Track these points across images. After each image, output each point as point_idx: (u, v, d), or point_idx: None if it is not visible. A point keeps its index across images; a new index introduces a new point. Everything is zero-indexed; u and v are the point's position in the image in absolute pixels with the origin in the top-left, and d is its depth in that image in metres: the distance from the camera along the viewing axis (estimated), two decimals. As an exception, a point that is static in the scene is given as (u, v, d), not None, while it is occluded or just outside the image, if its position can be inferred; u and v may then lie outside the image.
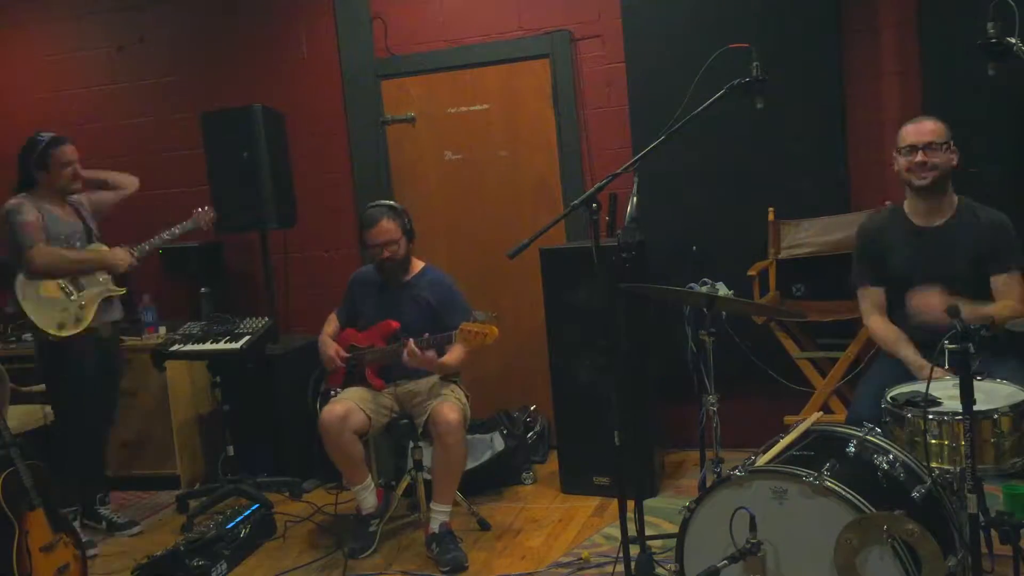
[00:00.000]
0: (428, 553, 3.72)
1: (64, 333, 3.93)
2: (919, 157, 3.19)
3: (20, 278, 3.93)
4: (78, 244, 4.08)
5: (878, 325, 3.34)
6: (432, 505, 3.75)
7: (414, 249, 4.02)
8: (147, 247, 4.24)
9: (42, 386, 4.29)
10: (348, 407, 3.78)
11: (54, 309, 3.93)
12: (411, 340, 3.67)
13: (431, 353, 3.69)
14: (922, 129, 3.22)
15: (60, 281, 3.96)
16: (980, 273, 3.19)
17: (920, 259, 3.22)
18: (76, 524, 3.92)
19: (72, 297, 3.98)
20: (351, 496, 3.98)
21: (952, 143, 3.20)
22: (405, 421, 3.91)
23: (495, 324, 3.53)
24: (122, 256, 4.12)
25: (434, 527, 3.71)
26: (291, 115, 5.07)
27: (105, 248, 4.14)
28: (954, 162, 3.21)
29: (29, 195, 4.02)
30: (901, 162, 3.25)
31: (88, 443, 4.16)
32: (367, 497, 3.88)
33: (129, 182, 4.47)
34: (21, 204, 3.97)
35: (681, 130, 2.97)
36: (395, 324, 3.89)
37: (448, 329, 3.70)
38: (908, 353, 3.19)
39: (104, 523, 4.22)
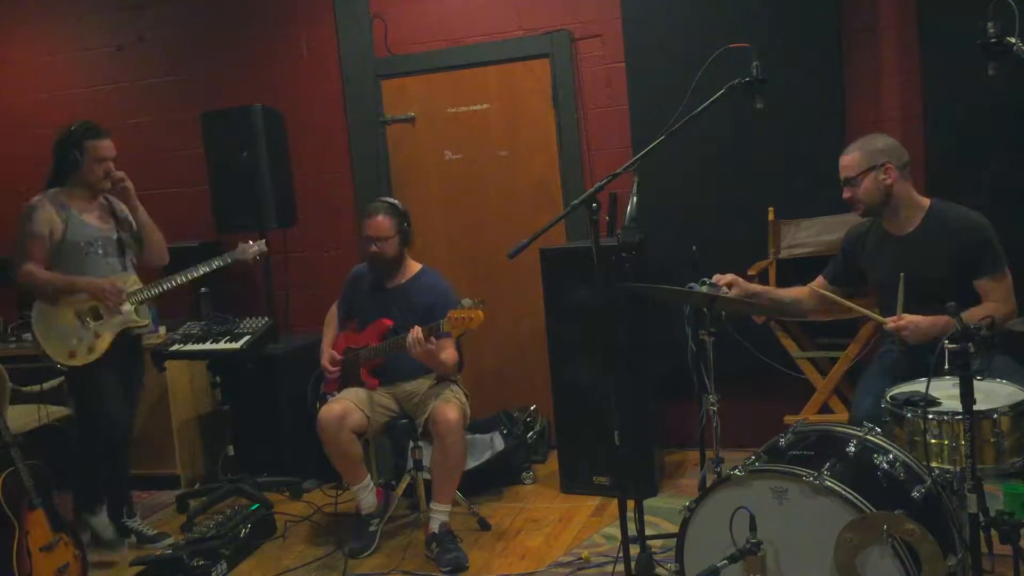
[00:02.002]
0: (427, 553, 3.72)
1: (75, 362, 3.76)
2: (846, 193, 3.26)
3: (37, 303, 3.78)
4: (100, 252, 3.85)
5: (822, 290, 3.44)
6: (432, 505, 3.75)
7: (413, 250, 4.02)
8: (156, 290, 3.93)
9: (39, 386, 4.28)
10: (346, 407, 3.77)
11: (67, 337, 3.76)
12: (417, 327, 3.63)
13: (433, 344, 3.65)
14: (841, 164, 3.26)
15: (77, 308, 3.77)
16: (959, 277, 3.13)
17: (896, 266, 3.20)
18: (105, 517, 3.95)
19: (88, 327, 3.78)
20: (351, 496, 3.98)
21: (882, 164, 3.16)
22: (405, 421, 3.91)
23: (481, 309, 3.49)
24: (110, 296, 3.77)
25: (434, 527, 3.71)
26: (291, 115, 5.07)
27: (99, 281, 3.78)
28: (888, 180, 3.17)
29: (58, 192, 3.81)
30: None
31: (110, 460, 4.03)
32: (366, 496, 3.88)
33: (157, 244, 4.07)
34: (38, 207, 3.76)
35: (681, 130, 2.97)
36: (389, 322, 3.89)
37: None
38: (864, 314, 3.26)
39: (133, 536, 4.09)
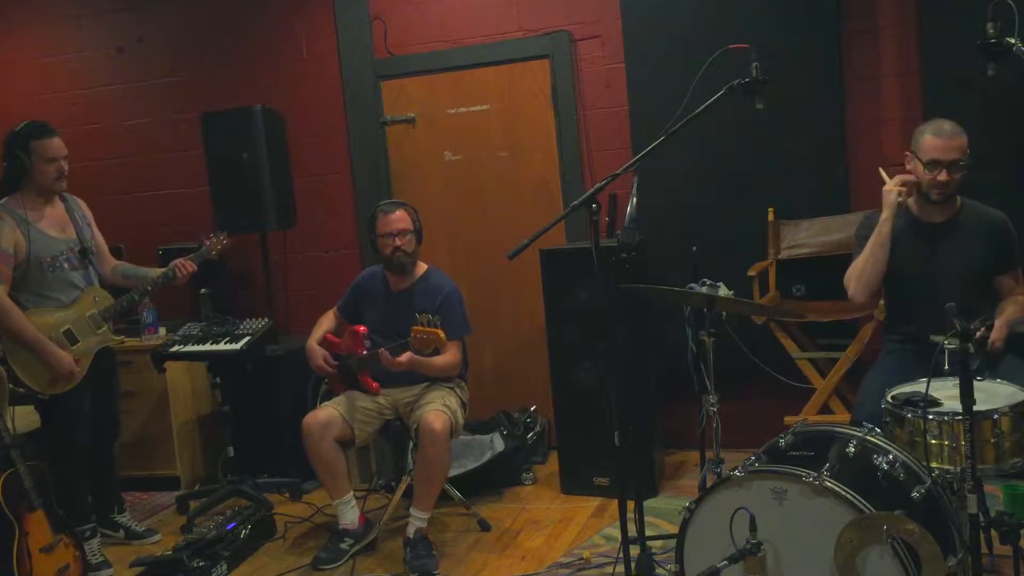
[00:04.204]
0: (404, 557, 3.67)
1: (56, 390, 3.64)
2: (942, 176, 3.11)
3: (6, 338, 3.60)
4: (67, 266, 3.70)
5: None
6: (411, 510, 3.71)
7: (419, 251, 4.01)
8: (126, 304, 3.84)
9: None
10: (331, 415, 3.76)
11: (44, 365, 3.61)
12: (383, 351, 3.67)
13: (405, 356, 3.65)
14: (950, 145, 3.09)
15: (51, 334, 3.61)
16: (985, 269, 3.20)
17: (927, 254, 3.21)
18: (95, 542, 3.84)
19: (66, 352, 3.65)
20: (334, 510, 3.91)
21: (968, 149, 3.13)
22: (399, 422, 3.92)
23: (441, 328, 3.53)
24: (65, 368, 3.61)
25: (410, 532, 3.68)
26: (291, 115, 5.07)
27: (54, 349, 3.59)
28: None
29: (13, 199, 3.63)
30: (921, 173, 3.16)
31: (87, 472, 3.95)
32: (347, 512, 3.81)
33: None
34: (0, 221, 3.56)
35: (681, 131, 2.97)
36: (362, 329, 3.87)
37: None
38: (882, 222, 3.18)
39: (122, 531, 4.10)
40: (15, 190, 3.68)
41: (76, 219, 3.84)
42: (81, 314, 3.75)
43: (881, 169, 3.36)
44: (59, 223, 3.77)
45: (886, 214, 3.19)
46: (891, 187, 3.19)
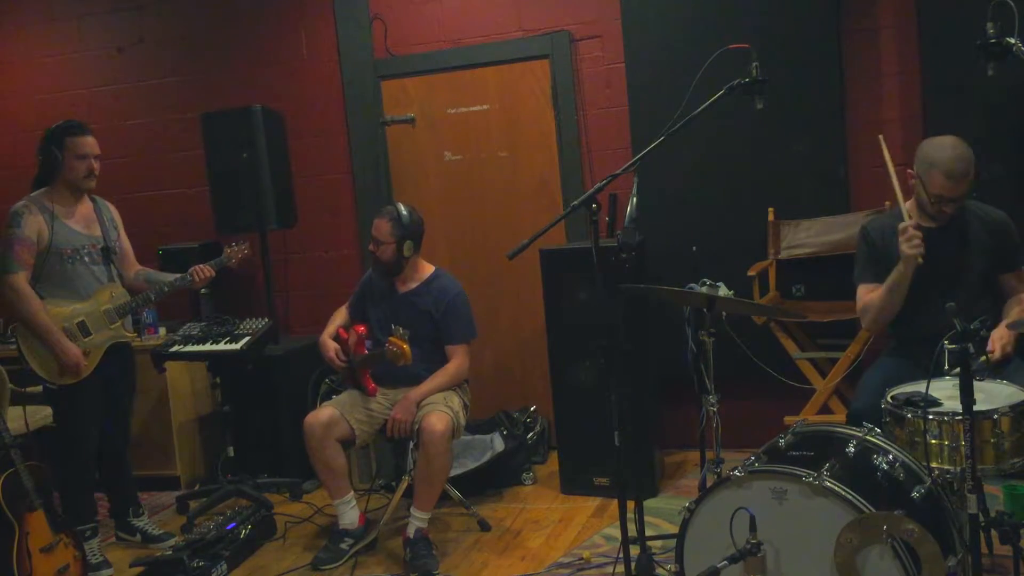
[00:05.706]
0: (404, 557, 3.68)
1: (65, 381, 3.69)
2: (948, 208, 3.10)
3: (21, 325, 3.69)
4: (87, 259, 3.78)
5: (868, 295, 3.26)
6: (412, 511, 3.71)
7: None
8: (142, 301, 3.95)
9: (39, 387, 4.27)
10: (332, 415, 3.77)
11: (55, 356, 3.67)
12: (390, 421, 3.76)
13: (404, 409, 3.74)
14: (959, 186, 3.04)
15: (65, 324, 3.68)
16: (987, 270, 3.19)
17: (928, 254, 3.21)
18: (95, 542, 3.84)
19: (78, 344, 3.70)
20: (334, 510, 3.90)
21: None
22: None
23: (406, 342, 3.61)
24: (72, 360, 3.66)
25: (410, 532, 3.68)
26: (291, 115, 5.07)
27: (63, 340, 3.65)
28: None
29: (44, 193, 3.74)
30: (925, 199, 3.13)
31: (85, 474, 3.95)
32: (348, 512, 3.81)
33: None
34: (24, 212, 3.67)
35: (681, 130, 2.97)
36: (362, 329, 3.91)
37: (442, 342, 3.88)
38: (896, 271, 3.11)
39: (139, 535, 4.09)
40: (48, 184, 3.79)
41: (103, 220, 3.91)
42: (96, 308, 3.80)
43: (881, 137, 3.23)
44: (85, 220, 3.85)
45: (903, 268, 3.08)
46: (911, 252, 3.02)
